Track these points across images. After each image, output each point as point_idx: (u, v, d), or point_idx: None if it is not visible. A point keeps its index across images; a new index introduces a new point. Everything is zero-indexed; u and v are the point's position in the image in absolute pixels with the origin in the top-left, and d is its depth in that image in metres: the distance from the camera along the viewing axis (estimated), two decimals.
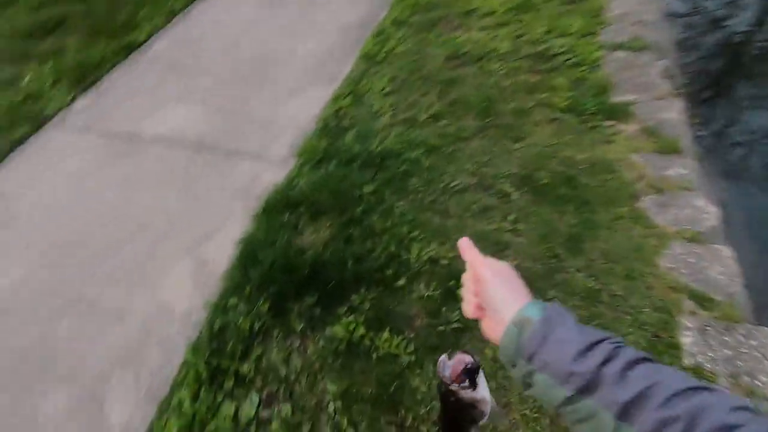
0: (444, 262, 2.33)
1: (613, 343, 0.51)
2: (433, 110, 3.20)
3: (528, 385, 0.56)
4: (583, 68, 3.60)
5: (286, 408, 1.90)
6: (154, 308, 2.27)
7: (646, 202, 2.63)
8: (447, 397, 0.66)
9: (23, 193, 2.84)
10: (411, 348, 2.02)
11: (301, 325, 2.13)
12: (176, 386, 1.99)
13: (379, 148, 2.91)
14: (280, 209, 2.57)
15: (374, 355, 2.01)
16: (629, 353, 0.50)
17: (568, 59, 3.71)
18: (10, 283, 2.40)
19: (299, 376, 1.99)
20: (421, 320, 2.14)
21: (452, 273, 2.28)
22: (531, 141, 3.02)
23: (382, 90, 3.40)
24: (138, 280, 2.38)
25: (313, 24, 4.20)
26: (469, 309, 0.67)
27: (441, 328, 2.08)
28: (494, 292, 0.62)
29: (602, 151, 2.95)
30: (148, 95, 3.49)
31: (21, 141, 3.20)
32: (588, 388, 0.49)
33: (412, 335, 2.07)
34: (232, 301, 2.22)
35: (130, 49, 4.00)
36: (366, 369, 1.98)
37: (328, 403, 1.90)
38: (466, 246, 0.71)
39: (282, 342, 2.10)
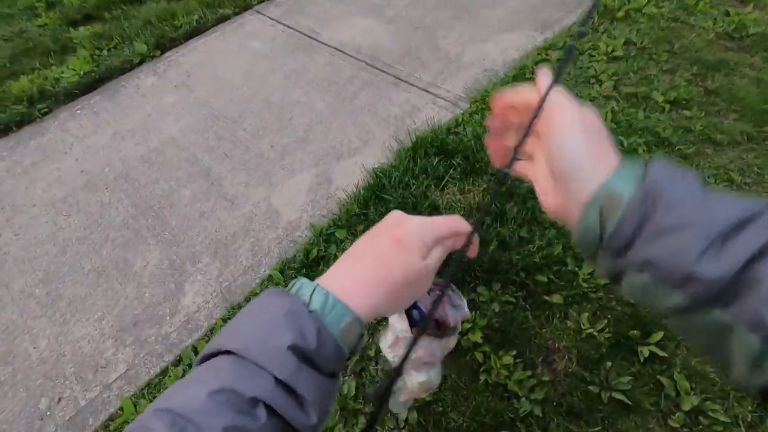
0: (627, 298, 1.55)
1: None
2: (677, 94, 2.25)
3: (616, 281, 0.37)
4: None
5: (350, 385, 1.46)
6: (264, 207, 2.04)
7: None
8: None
9: (208, 61, 2.92)
10: (538, 395, 1.36)
11: None
12: (250, 299, 1.72)
13: None
14: (430, 153, 2.06)
15: (483, 378, 1.42)
16: None
17: None
18: (159, 141, 2.45)
19: (378, 356, 1.52)
20: (565, 363, 1.44)
21: (638, 317, 1.49)
22: None
23: (610, 53, 2.54)
24: (263, 175, 2.18)
25: None
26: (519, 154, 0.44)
27: (593, 389, 1.36)
28: (569, 144, 0.39)
29: None
30: (342, 2, 3.28)
31: (224, 19, 3.32)
32: (720, 296, 0.30)
33: (545, 378, 1.40)
34: (340, 233, 1.84)
35: None
36: (466, 389, 1.41)
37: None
38: (546, 78, 0.44)
39: None
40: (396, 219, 0.46)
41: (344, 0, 3.31)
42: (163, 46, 3.10)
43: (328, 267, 1.67)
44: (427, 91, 2.50)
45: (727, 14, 2.78)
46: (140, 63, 3.01)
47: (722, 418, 1.29)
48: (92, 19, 3.51)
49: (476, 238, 0.46)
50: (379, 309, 0.41)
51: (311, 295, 0.39)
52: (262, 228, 1.97)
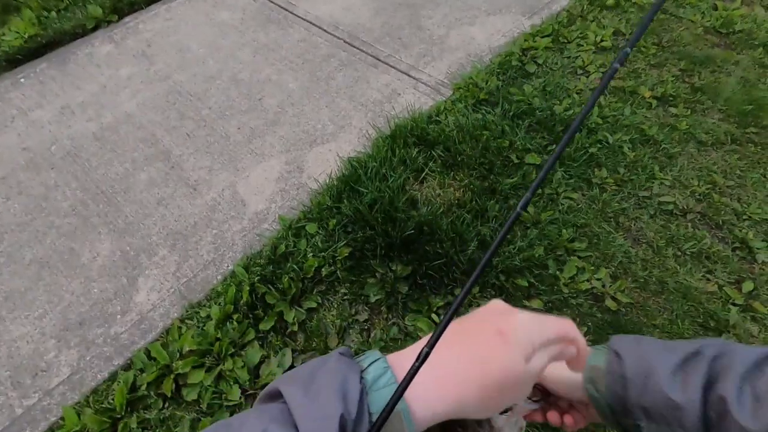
0: (609, 304, 1.50)
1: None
2: (664, 90, 2.19)
3: None
4: None
5: None
6: (229, 196, 1.89)
7: None
8: None
9: (172, 30, 2.66)
10: None
11: (378, 297, 1.54)
12: (211, 297, 1.59)
13: (567, 114, 2.05)
14: (410, 142, 1.94)
15: None
16: (733, 358, 0.40)
17: None
18: (113, 118, 2.22)
19: None
20: None
21: (620, 327, 1.45)
22: None
23: (599, 42, 2.44)
24: (228, 160, 2.01)
25: None
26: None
27: None
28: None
29: None
30: None
31: None
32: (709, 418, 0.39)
33: None
34: (311, 227, 1.71)
35: None
36: None
37: None
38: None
39: (345, 306, 1.54)
40: (502, 308, 0.41)
41: None
42: (121, 10, 2.81)
43: (297, 265, 1.54)
44: (408, 75, 2.35)
45: (715, 8, 2.73)
46: (94, 28, 2.72)
47: None
48: None
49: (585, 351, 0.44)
50: (463, 408, 0.36)
51: (370, 365, 0.36)
52: (227, 219, 1.82)
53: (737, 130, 2.05)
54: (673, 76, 2.28)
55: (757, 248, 1.64)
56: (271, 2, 2.83)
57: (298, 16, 2.73)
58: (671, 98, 2.17)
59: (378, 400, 0.34)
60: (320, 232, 1.70)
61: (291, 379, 0.36)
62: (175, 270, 1.69)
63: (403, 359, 0.37)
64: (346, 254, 1.60)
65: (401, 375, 0.35)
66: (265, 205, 1.85)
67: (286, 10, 2.78)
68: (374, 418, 0.32)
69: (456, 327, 0.39)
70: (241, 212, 1.83)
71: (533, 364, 0.38)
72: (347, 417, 0.32)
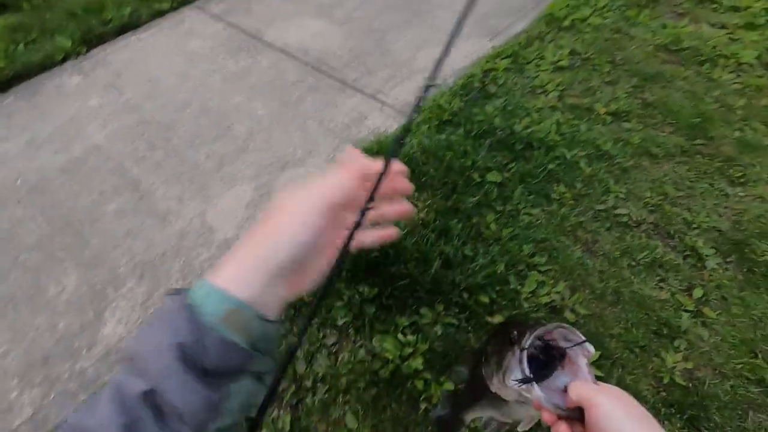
0: (568, 316, 1.56)
1: None
2: (618, 106, 2.30)
3: None
4: None
5: (284, 420, 1.37)
6: (198, 224, 1.90)
7: None
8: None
9: (141, 60, 2.69)
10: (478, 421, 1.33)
11: (345, 319, 1.56)
12: None
13: (527, 132, 2.14)
14: None
15: (423, 406, 1.37)
16: None
17: None
18: (83, 148, 2.23)
19: (316, 387, 1.44)
20: None
21: None
22: (759, 192, 1.98)
23: (555, 63, 2.56)
24: (197, 188, 2.03)
25: None
26: None
27: None
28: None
29: None
30: (292, 1, 3.13)
31: (160, 13, 3.09)
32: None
33: None
34: None
35: None
36: (406, 420, 1.36)
37: None
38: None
39: (313, 331, 1.56)
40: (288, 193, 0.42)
41: None
42: (90, 42, 2.83)
43: None
44: (374, 98, 2.42)
45: (665, 26, 2.89)
46: (63, 60, 2.74)
47: None
48: (7, 9, 3.16)
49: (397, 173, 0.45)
50: (274, 293, 0.38)
51: (192, 290, 0.37)
52: (195, 247, 1.83)
53: (686, 143, 2.16)
54: (625, 93, 2.40)
55: (707, 255, 1.72)
56: (242, 30, 2.90)
57: (267, 43, 2.79)
58: (624, 114, 2.28)
59: (212, 311, 0.35)
60: None
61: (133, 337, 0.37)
62: (144, 300, 1.68)
63: (220, 268, 0.38)
64: None
65: (224, 281, 0.36)
66: (234, 231, 1.87)
67: (256, 37, 2.84)
68: (222, 326, 0.34)
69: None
70: (210, 240, 1.85)
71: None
72: (185, 342, 0.33)
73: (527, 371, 0.49)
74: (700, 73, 2.59)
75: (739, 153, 2.14)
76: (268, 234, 0.39)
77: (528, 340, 0.50)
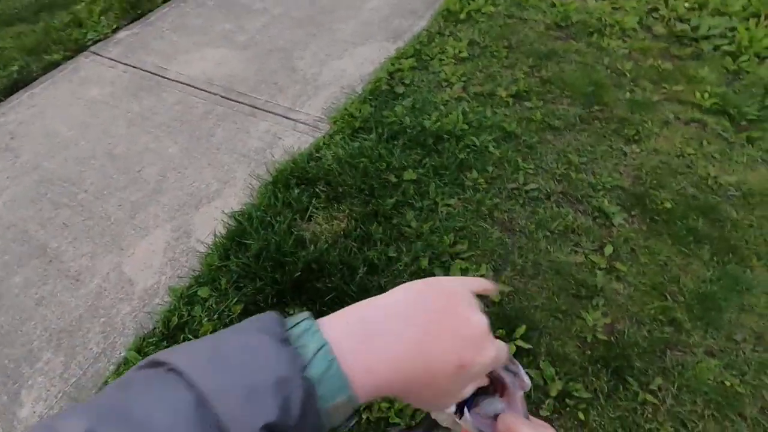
0: (494, 297, 1.60)
1: None
2: (518, 87, 2.41)
3: None
4: (745, 58, 2.57)
5: None
6: (115, 278, 1.81)
7: None
8: None
9: (37, 117, 2.54)
10: (418, 417, 1.34)
11: None
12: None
13: (436, 126, 2.20)
14: (292, 184, 1.98)
15: (365, 416, 1.36)
16: None
17: (721, 45, 2.70)
18: None
19: None
20: None
21: (505, 316, 1.55)
22: (653, 145, 2.13)
23: (457, 55, 2.65)
24: (110, 241, 1.94)
25: None
26: None
27: None
28: None
29: (764, 176, 1.99)
30: (191, 33, 3.07)
31: (53, 65, 2.93)
32: None
33: None
34: (203, 291, 1.68)
35: None
36: None
37: None
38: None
39: None
40: (467, 308, 0.37)
41: (191, 30, 3.11)
42: None
43: (192, 334, 1.51)
44: (286, 118, 2.41)
45: (554, 5, 3.06)
46: None
47: (585, 395, 1.38)
48: None
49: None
50: (392, 392, 0.33)
51: (314, 357, 0.30)
52: (114, 303, 1.74)
53: (583, 111, 2.29)
54: (524, 74, 2.52)
55: (613, 213, 1.83)
56: (142, 70, 2.81)
57: (171, 79, 2.72)
58: (525, 93, 2.40)
59: (327, 395, 0.30)
60: (213, 294, 1.68)
61: (202, 356, 0.30)
62: (62, 371, 1.58)
63: (349, 335, 0.32)
64: (240, 311, 1.59)
65: (351, 364, 0.31)
66: (154, 279, 1.80)
67: (158, 75, 2.76)
68: (326, 414, 0.30)
69: (419, 299, 0.36)
70: (129, 293, 1.77)
71: (467, 390, 0.38)
72: (282, 422, 0.28)
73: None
74: (590, 44, 2.76)
75: (631, 113, 2.29)
76: (438, 332, 0.34)
77: None
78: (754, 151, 2.10)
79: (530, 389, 0.49)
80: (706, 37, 2.79)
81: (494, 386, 0.52)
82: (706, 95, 2.35)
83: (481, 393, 0.49)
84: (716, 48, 2.72)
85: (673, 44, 2.77)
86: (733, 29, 2.79)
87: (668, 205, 1.87)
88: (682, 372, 1.42)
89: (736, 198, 1.90)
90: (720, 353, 1.46)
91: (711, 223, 1.81)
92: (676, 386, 1.40)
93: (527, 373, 0.51)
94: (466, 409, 0.49)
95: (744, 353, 1.45)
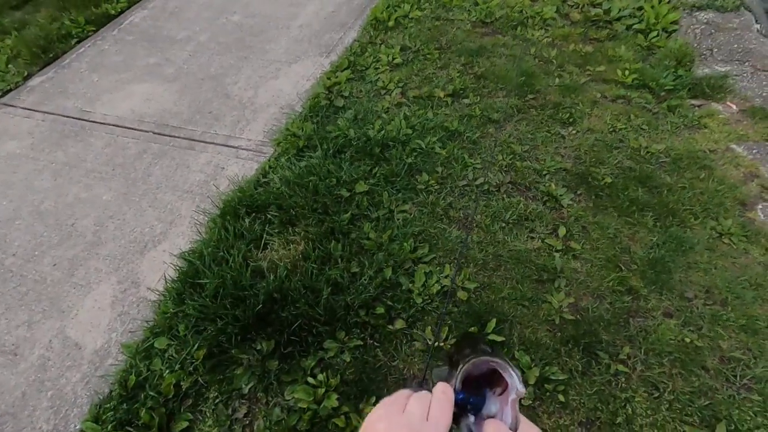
0: (461, 296, 1.61)
1: None
2: (454, 87, 2.46)
3: None
4: (654, 34, 2.77)
5: None
6: (59, 345, 1.66)
7: (762, 212, 1.82)
8: None
9: None
10: None
11: (250, 385, 1.46)
12: None
13: (381, 134, 2.20)
14: (242, 213, 1.90)
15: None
16: None
17: (632, 24, 2.89)
18: None
19: None
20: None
21: (474, 313, 1.55)
22: (587, 125, 2.24)
23: (391, 62, 2.68)
24: (49, 305, 1.78)
25: None
26: None
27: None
28: None
29: (688, 141, 2.14)
30: (113, 71, 2.91)
31: None
32: None
33: None
34: (160, 342, 1.57)
35: (104, 20, 3.44)
36: None
37: None
38: None
39: (220, 409, 1.43)
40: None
41: (113, 68, 2.95)
42: None
43: (154, 390, 1.39)
44: (227, 146, 2.33)
45: (476, 4, 3.17)
46: None
47: (561, 377, 1.40)
48: None
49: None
50: None
51: None
52: (62, 372, 1.59)
53: (519, 101, 2.38)
54: (458, 72, 2.58)
55: (560, 195, 1.90)
56: (62, 116, 2.62)
57: (97, 122, 2.56)
58: (461, 91, 2.45)
59: None
60: (172, 342, 1.57)
61: None
62: None
63: None
64: (203, 355, 1.50)
65: None
66: (104, 339, 1.66)
67: (82, 119, 2.59)
68: None
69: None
70: (78, 358, 1.62)
71: None
72: None
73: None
74: (516, 37, 2.88)
75: (562, 97, 2.40)
76: None
77: (458, 375, 0.51)
78: (675, 118, 2.25)
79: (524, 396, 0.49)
80: (618, 19, 2.99)
81: (497, 380, 0.52)
82: (627, 72, 2.50)
83: (483, 379, 0.51)
84: (628, 27, 2.91)
85: (590, 28, 2.94)
86: (640, 8, 2.99)
87: (609, 179, 1.96)
88: (646, 337, 1.48)
89: (667, 164, 2.03)
90: (676, 312, 1.54)
91: (649, 191, 1.92)
92: (643, 351, 1.45)
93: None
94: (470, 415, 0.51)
95: (697, 308, 1.54)
